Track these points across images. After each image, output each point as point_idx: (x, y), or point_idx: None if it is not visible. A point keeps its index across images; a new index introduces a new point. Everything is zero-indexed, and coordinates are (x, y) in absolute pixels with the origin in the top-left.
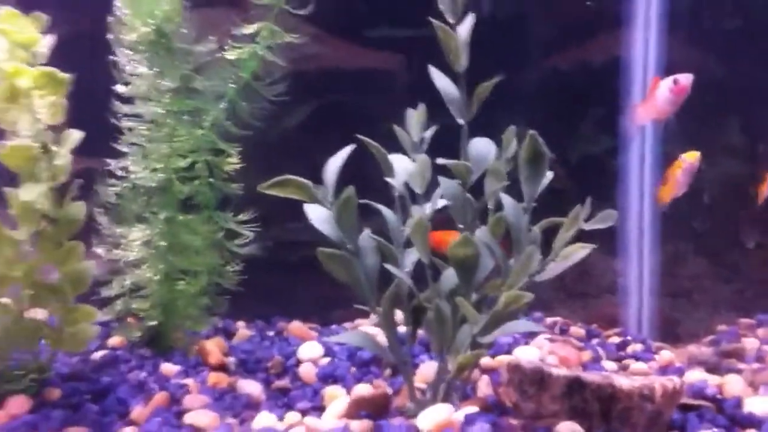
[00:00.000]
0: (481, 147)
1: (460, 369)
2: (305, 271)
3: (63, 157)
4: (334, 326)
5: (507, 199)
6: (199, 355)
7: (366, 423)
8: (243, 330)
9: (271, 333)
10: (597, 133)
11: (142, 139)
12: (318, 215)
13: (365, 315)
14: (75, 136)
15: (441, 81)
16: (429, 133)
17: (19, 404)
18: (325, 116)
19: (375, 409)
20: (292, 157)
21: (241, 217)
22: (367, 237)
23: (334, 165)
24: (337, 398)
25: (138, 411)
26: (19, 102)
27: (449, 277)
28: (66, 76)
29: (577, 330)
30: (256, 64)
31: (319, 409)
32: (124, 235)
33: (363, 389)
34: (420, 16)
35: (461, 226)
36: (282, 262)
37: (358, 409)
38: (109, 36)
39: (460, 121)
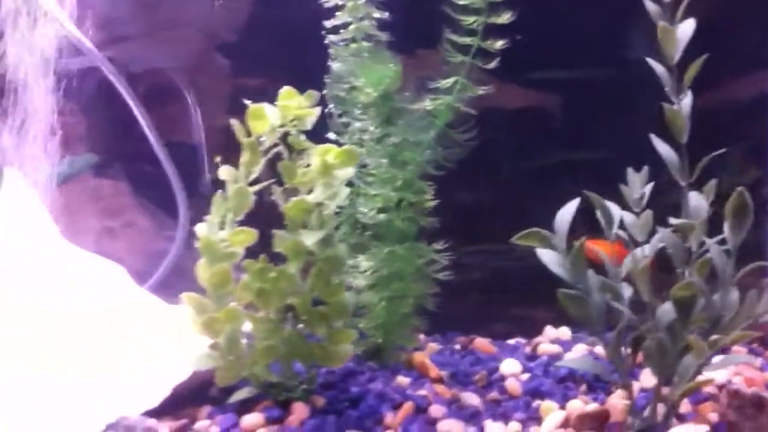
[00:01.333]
0: (696, 202)
1: (685, 394)
2: (473, 290)
3: (330, 208)
4: (511, 342)
5: (713, 246)
6: (414, 367)
7: None
8: (429, 344)
9: (456, 347)
10: (745, 164)
11: (361, 183)
12: (550, 259)
13: (536, 331)
14: (343, 192)
15: (661, 147)
16: (648, 190)
17: (301, 410)
18: (486, 151)
19: (596, 424)
20: (460, 189)
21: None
22: (593, 276)
23: (565, 216)
24: (552, 411)
25: (390, 417)
26: (326, 174)
27: (666, 311)
28: (359, 150)
29: (738, 349)
30: (450, 114)
31: (535, 420)
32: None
33: (578, 404)
34: (574, 59)
35: (679, 270)
36: (452, 282)
37: (582, 422)
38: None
39: (682, 183)
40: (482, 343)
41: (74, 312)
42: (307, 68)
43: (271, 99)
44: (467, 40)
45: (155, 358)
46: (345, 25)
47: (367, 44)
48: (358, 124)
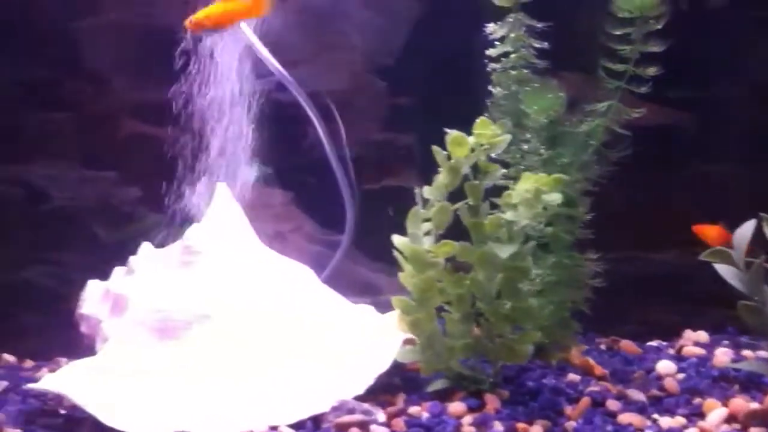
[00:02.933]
0: None
1: None
2: (608, 294)
3: (520, 225)
4: (653, 344)
5: None
6: (573, 365)
7: (763, 429)
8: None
9: (602, 347)
10: None
11: None
12: (727, 273)
13: (664, 333)
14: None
15: None
16: None
17: (493, 400)
18: (628, 166)
19: (765, 421)
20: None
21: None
22: (765, 288)
23: (744, 234)
24: (715, 408)
25: (570, 410)
26: (536, 197)
27: None
28: (563, 178)
29: None
30: (603, 134)
31: (698, 416)
32: None
33: (740, 402)
34: (706, 78)
35: None
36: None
37: (749, 419)
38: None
39: None
40: (627, 344)
41: (285, 311)
42: (457, 91)
43: (424, 119)
44: (621, 67)
45: (354, 350)
46: (506, 54)
47: (525, 71)
48: (525, 146)
